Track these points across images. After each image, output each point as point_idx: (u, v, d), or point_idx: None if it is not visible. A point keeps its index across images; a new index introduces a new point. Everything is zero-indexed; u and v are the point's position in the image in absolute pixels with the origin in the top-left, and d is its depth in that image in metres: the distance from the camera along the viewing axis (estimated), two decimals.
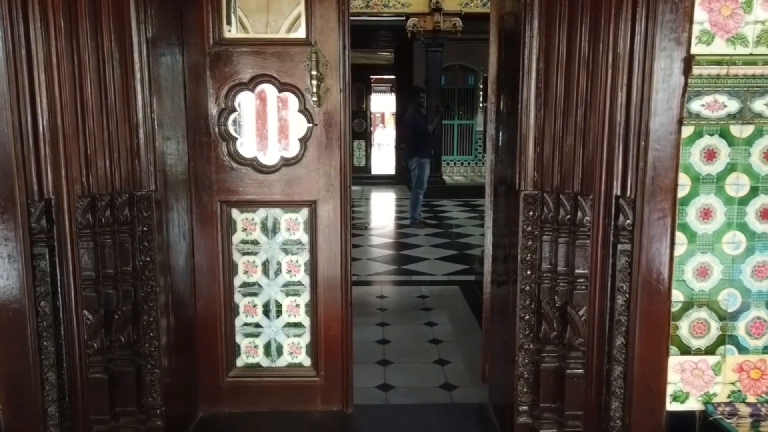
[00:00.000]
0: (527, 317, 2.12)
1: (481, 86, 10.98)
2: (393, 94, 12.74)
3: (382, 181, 11.66)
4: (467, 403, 2.67)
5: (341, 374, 2.50)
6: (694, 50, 1.86)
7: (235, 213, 2.48)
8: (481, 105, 11.15)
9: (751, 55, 1.87)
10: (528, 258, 2.11)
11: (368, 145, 12.31)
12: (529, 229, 2.11)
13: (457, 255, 5.85)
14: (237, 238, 2.49)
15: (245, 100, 2.42)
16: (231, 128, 2.42)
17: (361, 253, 5.92)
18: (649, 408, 1.96)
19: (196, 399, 2.50)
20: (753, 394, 1.97)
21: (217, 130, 2.42)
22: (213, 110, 2.41)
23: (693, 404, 1.98)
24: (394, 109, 13.09)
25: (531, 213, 2.10)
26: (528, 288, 2.11)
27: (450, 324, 3.75)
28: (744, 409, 1.93)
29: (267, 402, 2.52)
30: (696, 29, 1.86)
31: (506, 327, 2.25)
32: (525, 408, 2.11)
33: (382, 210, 9.55)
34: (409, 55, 11.10)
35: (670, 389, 1.97)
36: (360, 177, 11.48)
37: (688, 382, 1.97)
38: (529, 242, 2.11)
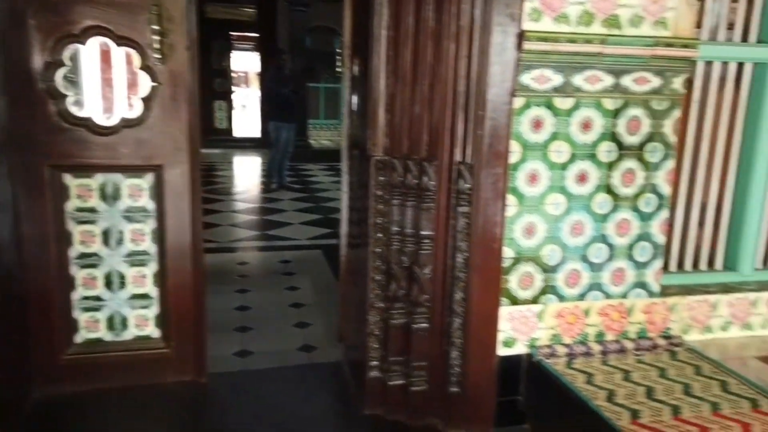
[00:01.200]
0: (378, 278, 2.22)
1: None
2: (256, 52, 12.24)
3: (247, 144, 11.26)
4: (324, 362, 2.75)
5: (194, 344, 2.45)
6: (525, 26, 2.02)
7: (68, 178, 2.27)
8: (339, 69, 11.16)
9: (572, 33, 2.06)
10: (379, 221, 2.20)
11: (230, 107, 11.79)
12: (380, 193, 2.19)
13: (321, 219, 5.89)
14: (71, 205, 2.29)
15: (77, 54, 2.20)
16: (60, 84, 2.20)
17: (222, 219, 5.74)
18: (484, 354, 2.16)
19: (29, 380, 2.31)
20: (569, 337, 2.25)
21: (43, 86, 2.18)
22: (38, 63, 2.17)
23: (520, 348, 2.22)
24: (258, 69, 12.61)
25: (382, 178, 2.18)
26: (379, 250, 2.21)
27: (312, 288, 3.80)
28: (561, 350, 2.20)
29: (114, 378, 2.39)
30: (527, 6, 2.01)
31: (360, 288, 2.34)
32: (375, 363, 2.23)
33: (246, 174, 9.29)
34: (273, 12, 10.71)
35: (501, 336, 2.19)
36: (221, 140, 11.01)
37: (517, 329, 2.20)
38: (380, 206, 2.20)
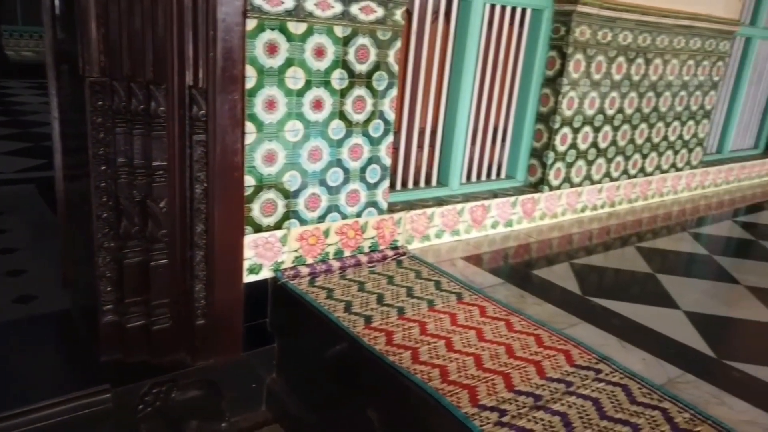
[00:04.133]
0: (105, 215, 2.00)
1: None
2: None
3: None
4: (48, 313, 2.43)
5: None
6: None
7: None
8: None
9: None
10: (101, 152, 1.95)
11: None
12: (100, 120, 1.93)
13: (31, 148, 5.01)
14: None
15: None
16: None
17: None
18: (230, 284, 2.16)
19: None
20: (311, 257, 2.39)
21: None
22: None
23: (266, 273, 2.28)
24: None
25: (100, 102, 1.92)
26: (104, 184, 1.98)
27: (25, 229, 3.27)
28: (304, 270, 2.32)
29: None
30: None
31: (85, 226, 2.09)
32: (110, 306, 2.05)
33: None
34: None
35: (246, 264, 2.20)
36: None
37: (261, 255, 2.24)
38: (101, 135, 1.95)
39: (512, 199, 3.12)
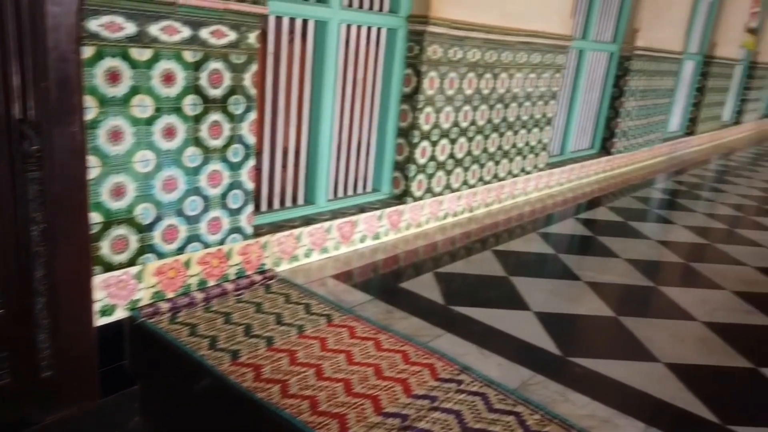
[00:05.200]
0: None
1: None
2: None
3: None
4: None
5: None
6: None
7: None
8: None
9: None
10: None
11: None
12: None
13: None
14: None
15: None
16: None
17: None
18: (78, 330, 2.00)
19: None
20: (171, 291, 2.28)
21: None
22: None
23: (121, 314, 2.13)
24: None
25: None
26: None
27: None
28: (164, 306, 2.21)
29: None
30: None
31: None
32: None
33: None
34: None
35: (98, 306, 2.05)
36: None
37: (115, 295, 2.10)
38: None
39: (378, 212, 3.21)
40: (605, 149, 5.64)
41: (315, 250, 2.89)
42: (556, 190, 4.87)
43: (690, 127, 7.63)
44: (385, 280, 2.89)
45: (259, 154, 2.66)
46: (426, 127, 3.33)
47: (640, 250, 3.60)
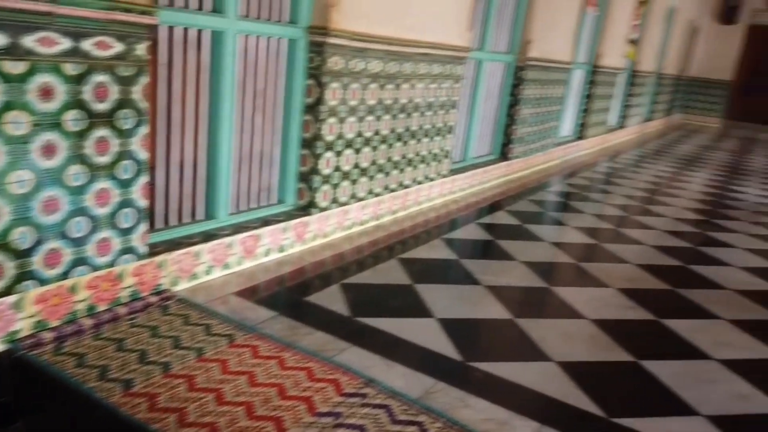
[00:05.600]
0: None
1: None
2: None
3: None
4: None
5: None
6: None
7: None
8: None
9: None
10: None
11: None
12: None
13: None
14: None
15: None
16: None
17: None
18: None
19: None
20: (56, 319, 2.12)
21: None
22: None
23: None
24: None
25: None
26: None
27: None
28: (48, 336, 2.05)
29: None
30: None
31: None
32: None
33: None
34: None
35: None
36: None
37: None
38: None
39: (283, 224, 3.17)
40: (504, 155, 5.91)
41: (216, 267, 2.81)
42: (459, 196, 5.04)
43: (580, 132, 8.16)
44: (290, 294, 2.86)
45: (152, 169, 2.55)
46: (330, 138, 3.33)
47: (536, 252, 3.80)
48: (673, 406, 2.19)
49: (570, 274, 3.55)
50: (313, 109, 3.23)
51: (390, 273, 3.20)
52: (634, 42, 9.63)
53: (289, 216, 3.27)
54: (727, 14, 15.08)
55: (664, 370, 2.44)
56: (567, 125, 7.80)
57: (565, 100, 7.16)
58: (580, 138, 8.14)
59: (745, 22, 14.98)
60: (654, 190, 6.40)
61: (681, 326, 2.88)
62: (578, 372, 2.35)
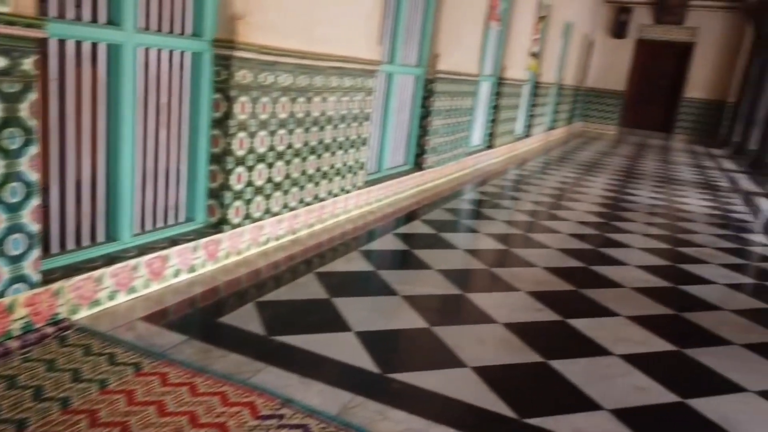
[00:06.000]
0: None
1: None
2: None
3: None
4: None
5: None
6: None
7: None
8: None
9: None
10: None
11: None
12: None
13: None
14: None
15: None
16: None
17: None
18: None
19: None
20: None
21: None
22: None
23: None
24: None
25: None
26: None
27: None
28: None
29: None
30: None
31: None
32: None
33: None
34: None
35: None
36: None
37: None
38: None
39: (193, 243, 3.06)
40: (418, 165, 6.04)
41: (121, 291, 2.66)
42: (375, 206, 5.08)
43: (489, 141, 8.49)
44: (202, 315, 2.76)
45: (45, 191, 2.39)
46: (240, 153, 3.26)
47: (451, 260, 3.90)
48: (579, 402, 2.31)
49: (483, 280, 3.66)
50: (221, 123, 3.15)
51: (307, 288, 3.16)
52: (535, 55, 10.16)
53: (199, 234, 3.16)
54: (618, 29, 16.27)
55: (570, 368, 2.57)
56: (477, 135, 8.09)
57: (475, 111, 7.43)
58: (490, 147, 8.46)
59: (634, 37, 16.23)
60: (559, 195, 6.76)
61: (584, 325, 3.05)
62: (492, 376, 2.43)
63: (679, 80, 15.97)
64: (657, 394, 2.44)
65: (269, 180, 3.57)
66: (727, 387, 2.56)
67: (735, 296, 3.79)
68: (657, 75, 16.26)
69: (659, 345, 2.92)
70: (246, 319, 2.70)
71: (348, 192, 4.57)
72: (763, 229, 6.01)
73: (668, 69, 16.14)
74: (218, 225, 3.27)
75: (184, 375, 2.13)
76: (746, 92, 13.72)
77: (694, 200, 7.29)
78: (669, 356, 2.82)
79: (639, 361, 2.71)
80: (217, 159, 3.21)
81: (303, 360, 2.39)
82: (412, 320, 2.90)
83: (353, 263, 3.65)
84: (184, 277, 3.03)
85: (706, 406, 2.38)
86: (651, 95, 16.42)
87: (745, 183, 9.36)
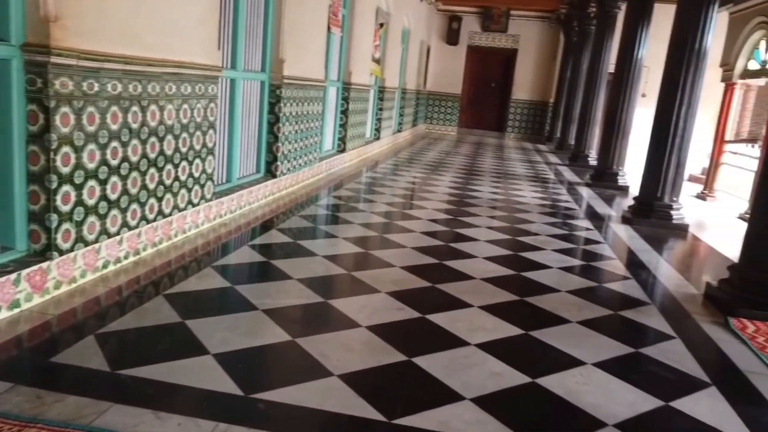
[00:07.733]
0: None
1: None
2: None
3: None
4: None
5: None
6: None
7: None
8: None
9: None
10: None
11: None
12: None
13: None
14: None
15: None
16: None
17: None
18: None
19: None
20: None
21: None
22: None
23: None
24: None
25: None
26: None
27: None
28: None
29: None
30: None
31: None
32: None
33: None
34: None
35: None
36: None
37: None
38: None
39: (13, 275, 2.66)
40: (270, 172, 5.89)
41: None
42: (228, 218, 4.86)
43: (341, 146, 8.57)
44: (31, 357, 2.42)
45: None
46: (65, 170, 2.91)
47: (310, 267, 3.85)
48: (443, 395, 2.39)
49: (344, 285, 3.66)
50: (39, 138, 2.79)
51: (156, 312, 2.91)
52: (377, 61, 10.46)
53: (20, 264, 2.76)
54: (451, 36, 17.39)
55: (432, 363, 2.65)
56: (329, 140, 8.12)
57: (324, 116, 7.45)
58: (342, 151, 8.54)
59: (466, 43, 17.45)
60: (410, 195, 7.01)
61: (442, 319, 3.17)
62: (359, 381, 2.42)
63: (507, 83, 17.51)
64: (511, 377, 2.61)
65: (103, 198, 3.24)
66: (569, 362, 2.81)
67: (568, 278, 4.21)
68: (488, 79, 17.68)
69: (509, 330, 3.14)
70: (85, 355, 2.41)
71: (196, 205, 4.31)
72: (584, 215, 6.76)
73: (496, 73, 17.65)
74: (44, 252, 2.89)
75: (11, 429, 1.83)
76: (562, 93, 15.44)
77: (528, 192, 8.00)
78: (518, 340, 3.03)
79: (493, 347, 2.88)
80: (37, 178, 2.83)
81: (156, 392, 2.18)
82: (274, 334, 2.80)
83: (207, 281, 3.45)
84: (4, 315, 2.63)
85: (553, 382, 2.59)
86: (484, 98, 17.81)
87: (568, 174, 10.50)
